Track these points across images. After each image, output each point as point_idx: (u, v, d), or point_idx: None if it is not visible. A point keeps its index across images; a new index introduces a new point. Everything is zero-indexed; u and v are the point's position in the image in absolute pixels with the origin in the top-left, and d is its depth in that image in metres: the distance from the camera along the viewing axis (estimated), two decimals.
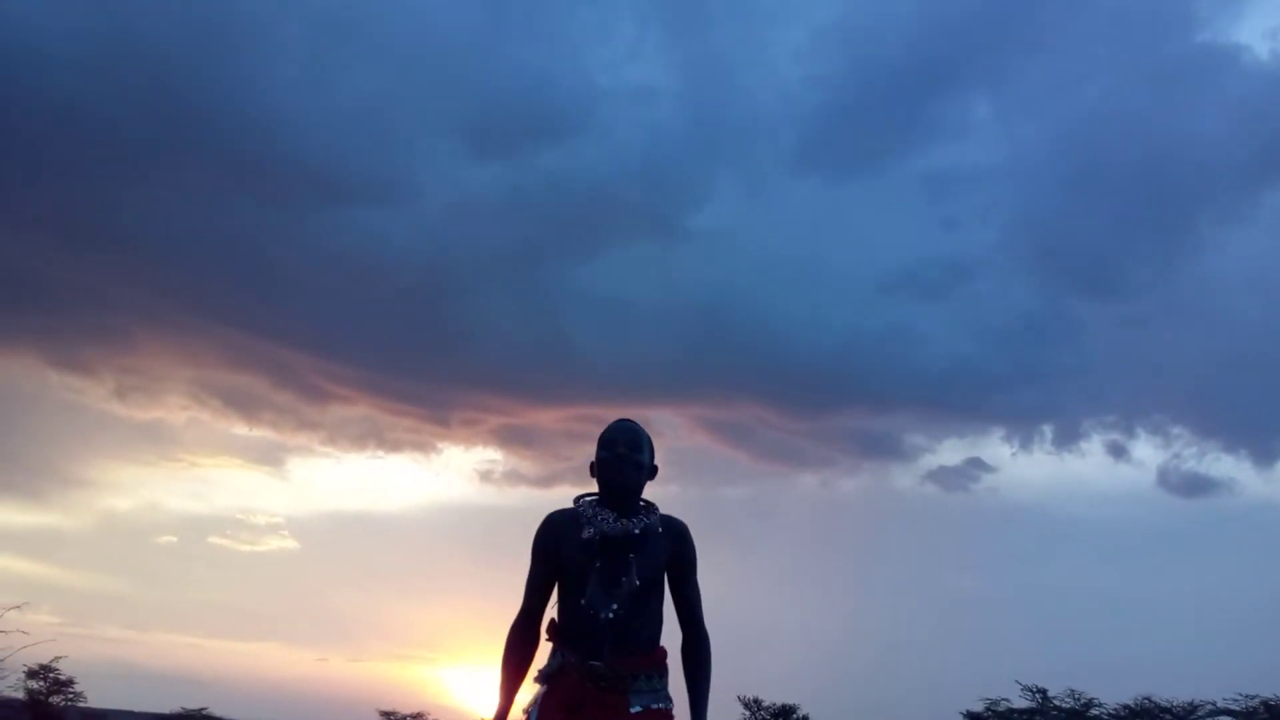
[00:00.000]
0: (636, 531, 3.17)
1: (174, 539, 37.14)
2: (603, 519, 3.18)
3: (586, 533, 3.14)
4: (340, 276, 29.17)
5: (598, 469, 3.28)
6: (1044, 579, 33.49)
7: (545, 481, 35.66)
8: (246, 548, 36.40)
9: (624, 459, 3.21)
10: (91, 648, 31.74)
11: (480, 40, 26.92)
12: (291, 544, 36.87)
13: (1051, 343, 30.88)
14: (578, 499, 3.31)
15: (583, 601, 3.08)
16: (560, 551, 3.17)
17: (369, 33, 26.58)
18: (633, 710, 3.08)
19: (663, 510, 3.32)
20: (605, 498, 3.25)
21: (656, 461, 3.33)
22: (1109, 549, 33.21)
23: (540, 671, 3.21)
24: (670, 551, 3.23)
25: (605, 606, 3.07)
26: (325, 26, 25.68)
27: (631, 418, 3.39)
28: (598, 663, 3.06)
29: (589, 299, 30.01)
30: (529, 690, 3.25)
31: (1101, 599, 31.11)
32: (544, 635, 3.26)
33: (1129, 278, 30.36)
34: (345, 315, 30.34)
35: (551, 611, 3.25)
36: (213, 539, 36.96)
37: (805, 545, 35.91)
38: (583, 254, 30.83)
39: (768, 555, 35.59)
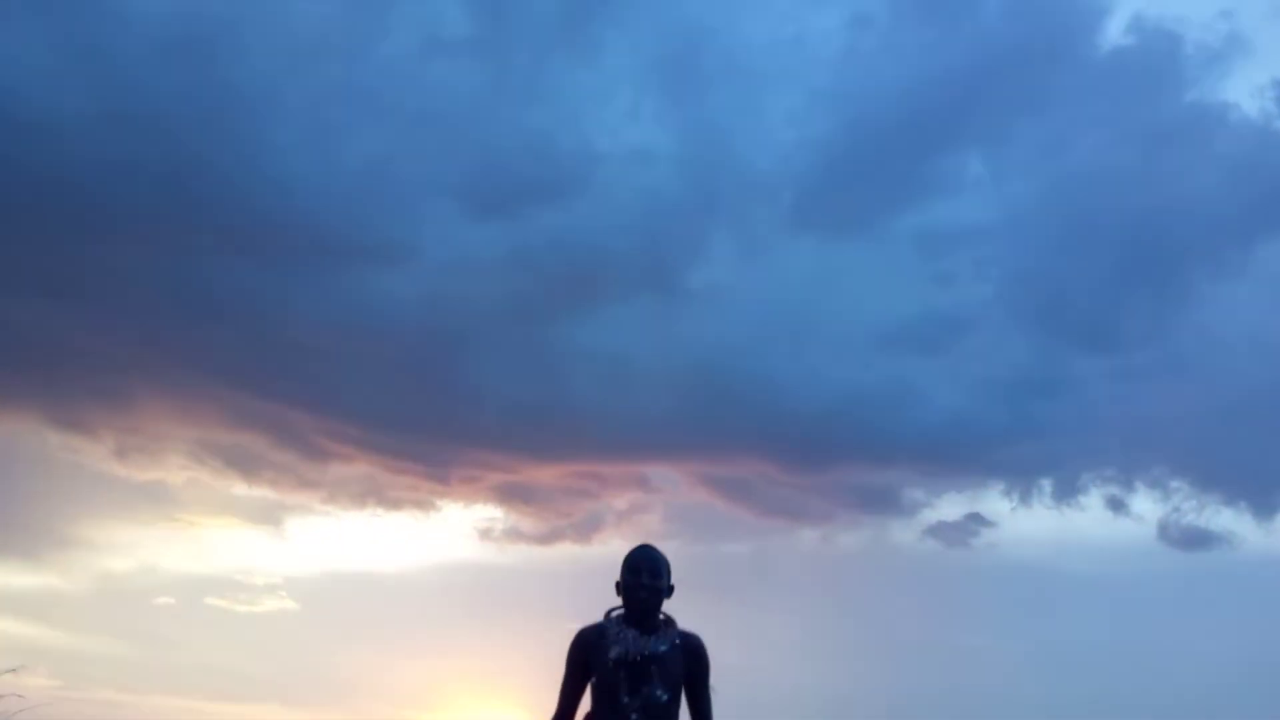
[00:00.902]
0: (659, 649, 3.72)
1: (172, 600, 36.90)
2: (627, 637, 3.72)
3: (614, 652, 3.68)
4: (340, 335, 29.32)
5: (623, 591, 3.78)
6: (1046, 634, 33.36)
7: (546, 539, 35.54)
8: (245, 608, 36.17)
9: (646, 586, 3.74)
10: (89, 711, 31.33)
11: (480, 103, 27.32)
12: (290, 604, 36.65)
13: (1048, 397, 30.98)
14: (608, 613, 3.84)
15: (623, 700, 3.61)
16: (591, 667, 3.73)
17: (369, 95, 26.97)
18: None
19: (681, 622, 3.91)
20: (629, 616, 3.76)
21: (673, 581, 3.89)
22: (1110, 603, 33.17)
23: None
24: (687, 668, 3.78)
25: (634, 710, 3.61)
26: (326, 89, 26.07)
27: (650, 544, 3.93)
28: None
29: (588, 356, 30.13)
30: None
31: (1104, 653, 30.98)
32: None
33: (1124, 332, 30.58)
34: (345, 374, 30.45)
35: (583, 711, 3.84)
36: (211, 600, 36.74)
37: (807, 601, 35.76)
38: (582, 312, 31.01)
39: (769, 611, 35.39)
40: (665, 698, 3.68)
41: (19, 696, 10.70)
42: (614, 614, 3.85)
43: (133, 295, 28.15)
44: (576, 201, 27.92)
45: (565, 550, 35.59)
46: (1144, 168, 29.51)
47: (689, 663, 3.81)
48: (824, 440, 31.41)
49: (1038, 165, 30.94)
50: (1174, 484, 32.18)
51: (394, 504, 35.65)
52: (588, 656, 3.77)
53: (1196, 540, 31.44)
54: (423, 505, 35.84)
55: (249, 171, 25.57)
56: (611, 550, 34.16)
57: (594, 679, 3.76)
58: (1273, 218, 29.90)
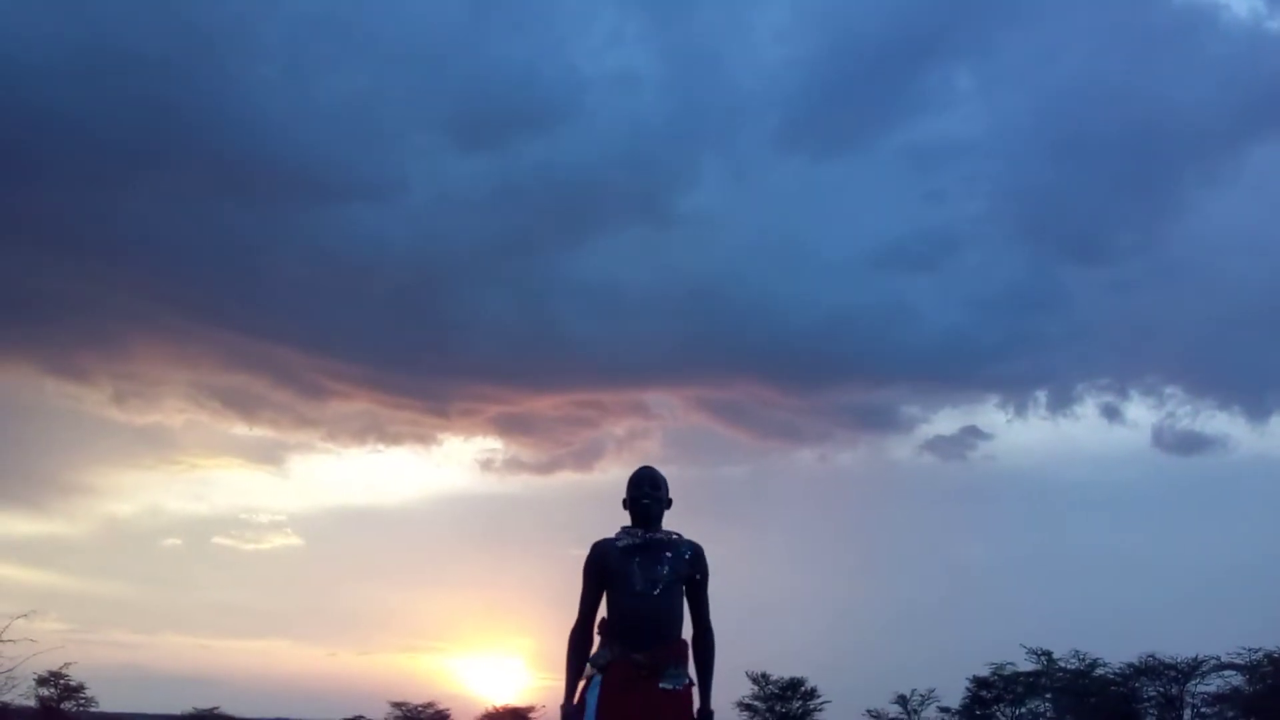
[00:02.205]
0: (661, 537, 4.17)
1: (178, 541, 37.38)
2: (635, 533, 4.16)
3: (623, 542, 4.12)
4: (332, 273, 29.30)
5: (630, 504, 4.23)
6: (1044, 543, 33.83)
7: (546, 468, 35.91)
8: (250, 546, 36.65)
9: (649, 495, 4.20)
10: (100, 653, 32.00)
11: (462, 32, 26.98)
12: (295, 541, 37.11)
13: (1042, 310, 31.13)
14: (623, 526, 4.22)
15: (636, 589, 4.03)
16: (607, 565, 4.11)
17: (350, 30, 26.63)
18: (663, 688, 4.01)
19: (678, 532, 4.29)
20: (635, 523, 4.19)
21: (671, 495, 4.32)
22: (1107, 510, 33.57)
23: (593, 660, 4.10)
24: (690, 565, 4.19)
25: (650, 586, 4.03)
26: (306, 25, 25.72)
27: (650, 465, 4.34)
28: (639, 655, 3.97)
29: (581, 286, 30.18)
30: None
31: (1102, 560, 31.42)
32: (595, 632, 4.15)
33: (1116, 242, 30.60)
34: (340, 312, 30.48)
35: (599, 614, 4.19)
36: (217, 539, 37.23)
37: (806, 520, 36.20)
38: (573, 241, 31.00)
39: (770, 531, 35.86)
40: (667, 571, 4.07)
41: (32, 641, 10.94)
42: (629, 529, 4.21)
43: (123, 240, 28.03)
44: (563, 130, 27.73)
45: (566, 478, 36.00)
46: (1134, 75, 29.30)
47: (693, 564, 4.18)
48: (819, 361, 31.61)
49: (1026, 77, 30.75)
50: (1168, 390, 32.50)
51: (395, 439, 36.00)
52: (602, 560, 4.12)
53: (1191, 445, 31.84)
54: (423, 439, 36.19)
55: (232, 110, 25.28)
56: (612, 477, 34.40)
57: (608, 581, 4.10)
58: (1265, 121, 29.79)
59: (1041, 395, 32.63)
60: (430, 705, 26.04)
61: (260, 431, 34.88)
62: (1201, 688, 20.66)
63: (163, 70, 24.22)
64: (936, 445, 34.06)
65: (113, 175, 26.53)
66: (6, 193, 25.92)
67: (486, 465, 36.90)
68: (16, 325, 30.03)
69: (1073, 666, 22.05)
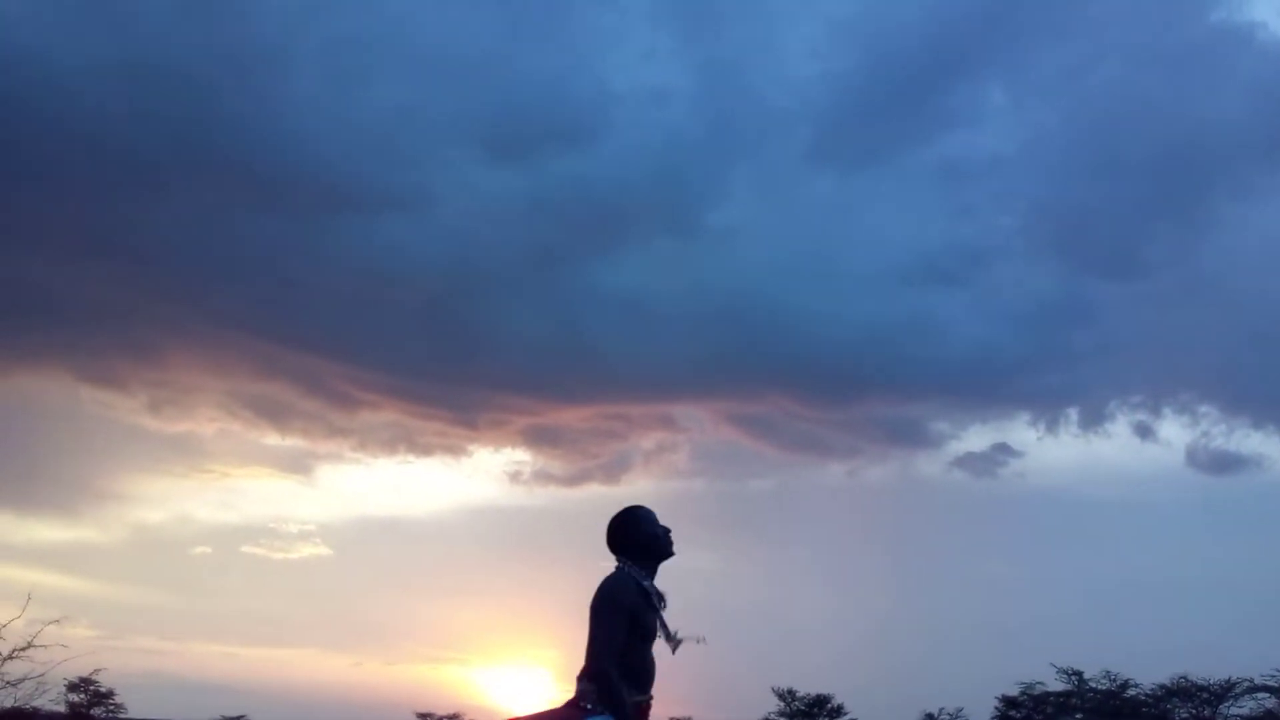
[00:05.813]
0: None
1: (208, 549, 37.56)
2: (656, 591, 4.12)
3: (660, 604, 4.11)
4: (364, 285, 29.50)
5: (652, 547, 4.12)
6: (1075, 562, 33.48)
7: (574, 480, 35.89)
8: (280, 555, 36.80)
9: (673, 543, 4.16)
10: (130, 659, 32.16)
11: (495, 48, 27.13)
12: (324, 550, 37.24)
13: (1073, 325, 30.88)
14: (627, 567, 4.11)
15: (668, 642, 4.09)
16: (638, 609, 4.02)
17: (383, 46, 26.85)
18: None
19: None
20: (651, 566, 4.13)
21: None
22: (1139, 529, 33.19)
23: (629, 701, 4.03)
24: None
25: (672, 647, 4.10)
26: (340, 42, 25.96)
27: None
28: (648, 696, 4.06)
29: (610, 299, 30.19)
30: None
31: (1134, 580, 31.07)
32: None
33: (1148, 258, 30.32)
34: (371, 323, 30.66)
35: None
36: (246, 548, 37.39)
37: (834, 535, 36.01)
38: (602, 255, 31.02)
39: (797, 546, 35.71)
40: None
41: (63, 646, 11.05)
42: (640, 572, 4.11)
43: (159, 251, 28.35)
44: (594, 144, 27.81)
45: (593, 491, 35.97)
46: (1168, 91, 29.06)
47: None
48: (849, 375, 31.48)
49: (1060, 92, 30.59)
50: (1202, 409, 32.11)
51: (424, 449, 36.10)
52: (637, 606, 4.08)
53: (1225, 464, 31.44)
54: (453, 450, 36.27)
55: (268, 124, 25.58)
56: (640, 490, 34.34)
57: (640, 628, 4.11)
58: None
59: (1073, 413, 32.37)
60: (455, 716, 26.13)
61: (291, 441, 35.12)
62: (1234, 710, 20.49)
63: (199, 84, 24.55)
64: (966, 462, 33.86)
65: (148, 187, 26.91)
66: (45, 203, 26.34)
67: (515, 477, 37.00)
68: (53, 333, 30.42)
69: (1104, 687, 21.88)
